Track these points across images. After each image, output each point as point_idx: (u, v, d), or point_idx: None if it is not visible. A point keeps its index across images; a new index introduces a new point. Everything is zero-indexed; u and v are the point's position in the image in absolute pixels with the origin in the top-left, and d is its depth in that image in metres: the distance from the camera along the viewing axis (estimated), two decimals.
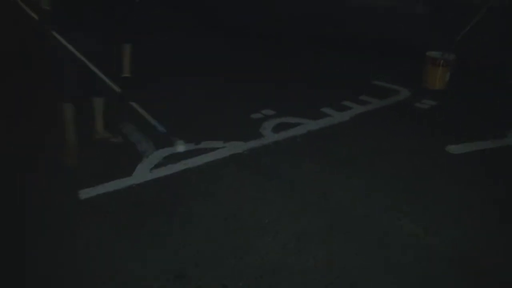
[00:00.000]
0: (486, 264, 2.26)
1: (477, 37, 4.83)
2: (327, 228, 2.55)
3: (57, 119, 3.23)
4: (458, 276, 2.18)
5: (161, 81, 4.87)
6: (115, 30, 3.31)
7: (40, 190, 2.90)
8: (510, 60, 4.88)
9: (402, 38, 6.47)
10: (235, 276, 2.17)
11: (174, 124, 3.36)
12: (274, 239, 2.44)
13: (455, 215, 2.66)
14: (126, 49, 3.65)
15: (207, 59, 5.85)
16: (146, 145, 3.49)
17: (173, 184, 3.03)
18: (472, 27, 4.68)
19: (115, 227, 2.55)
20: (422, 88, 4.85)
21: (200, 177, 3.10)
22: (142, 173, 3.13)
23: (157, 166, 3.22)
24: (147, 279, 2.14)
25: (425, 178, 3.08)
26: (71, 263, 2.27)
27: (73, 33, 2.92)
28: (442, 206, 2.75)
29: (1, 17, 6.64)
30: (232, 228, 2.55)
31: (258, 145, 3.56)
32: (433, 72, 4.83)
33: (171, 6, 8.88)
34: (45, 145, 3.46)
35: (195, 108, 4.27)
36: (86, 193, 2.87)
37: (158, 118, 3.16)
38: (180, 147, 3.16)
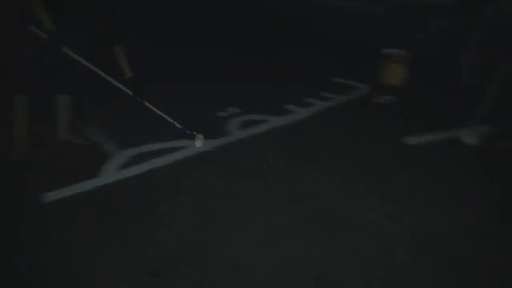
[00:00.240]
0: (449, 248, 2.40)
1: (432, 36, 5.12)
2: (295, 221, 2.61)
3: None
4: (422, 261, 2.31)
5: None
6: (106, 33, 3.24)
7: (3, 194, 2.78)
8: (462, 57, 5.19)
9: (361, 37, 6.72)
10: (209, 271, 2.18)
11: (141, 125, 3.32)
12: (246, 234, 2.47)
13: (417, 202, 2.82)
14: (118, 51, 3.54)
15: (169, 63, 5.80)
16: (110, 145, 3.42)
17: (141, 183, 2.99)
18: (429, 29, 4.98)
19: (83, 229, 2.48)
20: (380, 84, 5.06)
21: (168, 176, 3.09)
22: (109, 174, 3.06)
23: (123, 166, 3.17)
24: (121, 279, 2.11)
25: (386, 168, 3.24)
26: (39, 268, 2.19)
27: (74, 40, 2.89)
28: (404, 194, 2.90)
29: None
30: (203, 225, 2.56)
31: (225, 142, 3.59)
32: (390, 69, 5.05)
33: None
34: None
35: (161, 109, 4.21)
36: (50, 196, 2.77)
37: (123, 119, 3.11)
38: (200, 142, 3.17)
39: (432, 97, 4.74)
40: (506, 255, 2.34)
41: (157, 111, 3.13)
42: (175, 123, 3.14)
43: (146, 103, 3.11)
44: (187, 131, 3.16)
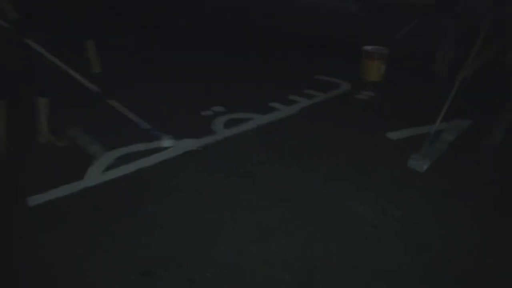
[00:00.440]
0: (430, 239, 2.49)
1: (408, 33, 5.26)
2: (285, 217, 2.66)
3: None
4: (406, 250, 2.40)
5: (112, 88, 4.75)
6: (77, 27, 3.20)
7: None
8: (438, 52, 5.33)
9: (340, 36, 6.83)
10: (201, 269, 2.21)
11: (126, 126, 3.31)
12: (235, 231, 2.51)
13: (400, 195, 2.90)
14: (90, 45, 3.50)
15: (157, 63, 5.79)
16: (95, 147, 3.40)
17: (127, 184, 2.99)
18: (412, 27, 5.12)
19: (72, 231, 2.48)
20: (360, 80, 5.17)
21: (155, 176, 3.09)
22: (94, 176, 3.05)
23: (109, 167, 3.16)
24: (113, 279, 2.13)
25: (370, 163, 3.32)
26: (29, 271, 2.18)
27: (40, 33, 2.86)
28: (388, 188, 2.98)
29: None
30: (192, 224, 2.58)
31: (210, 141, 3.61)
32: (370, 66, 5.17)
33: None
34: None
35: (144, 110, 4.20)
36: (35, 200, 2.74)
37: (109, 120, 3.10)
38: (168, 142, 3.22)
39: (411, 93, 4.87)
40: (493, 245, 2.45)
41: (123, 109, 3.12)
42: (142, 123, 3.15)
43: (113, 101, 3.09)
44: (156, 132, 3.16)
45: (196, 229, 2.53)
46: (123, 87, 4.73)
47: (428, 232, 2.54)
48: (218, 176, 3.09)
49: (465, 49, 3.54)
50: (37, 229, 2.50)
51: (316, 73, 5.44)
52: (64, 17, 3.07)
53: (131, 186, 2.96)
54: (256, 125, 3.94)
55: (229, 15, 8.41)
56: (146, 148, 3.42)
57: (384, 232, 2.52)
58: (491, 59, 3.15)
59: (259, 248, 2.38)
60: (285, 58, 6.19)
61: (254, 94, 4.68)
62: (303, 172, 3.17)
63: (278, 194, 2.90)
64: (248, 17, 8.27)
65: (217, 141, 3.63)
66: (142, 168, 3.18)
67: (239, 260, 2.29)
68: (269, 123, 4.02)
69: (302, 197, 2.85)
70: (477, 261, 2.31)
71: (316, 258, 2.30)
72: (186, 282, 2.13)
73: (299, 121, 4.11)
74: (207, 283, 2.13)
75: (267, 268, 2.24)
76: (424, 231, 2.55)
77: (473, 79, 3.35)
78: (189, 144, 3.54)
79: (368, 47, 5.21)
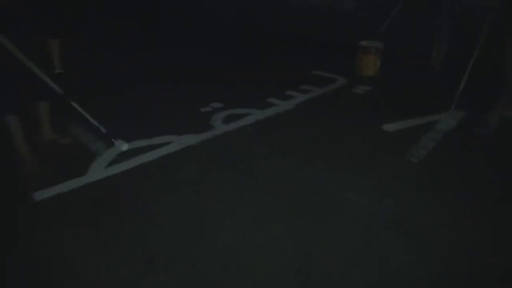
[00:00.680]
0: (423, 226, 2.56)
1: (401, 26, 5.33)
2: (282, 207, 2.73)
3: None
4: (398, 237, 2.47)
5: (113, 88, 4.84)
6: (39, 25, 3.11)
7: None
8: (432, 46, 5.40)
9: (337, 33, 6.89)
10: (201, 256, 2.29)
11: (126, 124, 3.38)
12: (233, 221, 2.58)
13: (397, 186, 2.97)
14: (53, 44, 3.45)
15: (149, 65, 5.87)
16: (97, 144, 3.47)
17: (129, 179, 3.06)
18: (394, 17, 5.19)
19: (75, 225, 2.55)
20: (356, 75, 5.24)
21: (156, 171, 3.16)
22: (97, 171, 3.12)
23: (111, 163, 3.24)
24: (119, 267, 2.20)
25: (367, 154, 3.39)
26: (33, 263, 2.26)
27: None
28: (383, 178, 3.05)
29: None
30: (192, 216, 2.65)
31: (210, 137, 3.69)
32: (365, 60, 5.24)
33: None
34: None
35: (145, 108, 4.29)
36: (40, 195, 2.83)
37: (109, 119, 3.17)
38: (123, 146, 3.24)
39: (407, 86, 4.94)
40: (490, 237, 2.51)
41: (82, 112, 3.15)
42: (100, 126, 3.21)
43: (73, 103, 3.12)
44: (111, 137, 3.22)
45: (193, 221, 2.59)
46: (123, 87, 4.85)
47: (423, 221, 2.61)
48: (217, 170, 3.16)
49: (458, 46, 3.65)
50: (43, 222, 2.58)
51: (313, 69, 5.52)
52: (23, 16, 2.96)
53: (132, 181, 3.03)
54: (255, 120, 4.02)
55: (228, 15, 8.48)
56: (147, 144, 3.50)
57: (379, 220, 2.59)
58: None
59: (257, 235, 2.46)
60: (282, 56, 6.28)
61: (252, 91, 4.76)
62: (301, 165, 3.23)
63: (276, 185, 2.97)
64: (247, 17, 8.34)
65: (216, 136, 3.70)
66: (143, 163, 3.26)
67: (237, 245, 2.36)
68: (267, 118, 4.09)
69: (299, 189, 2.92)
70: (475, 256, 2.38)
71: (313, 247, 2.37)
72: (189, 267, 2.21)
73: (296, 115, 4.18)
74: (209, 268, 2.20)
75: (264, 251, 2.32)
76: (417, 221, 2.60)
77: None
78: (189, 139, 3.61)
79: (364, 42, 5.28)
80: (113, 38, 6.58)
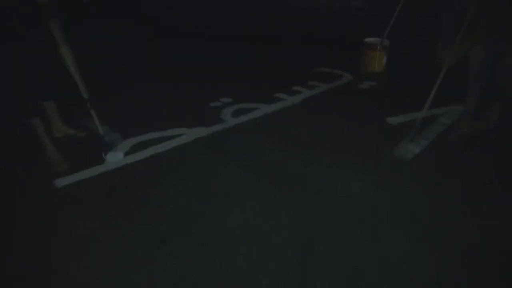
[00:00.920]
0: (422, 215, 2.69)
1: (406, 23, 5.42)
2: (288, 192, 2.89)
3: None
4: (401, 225, 2.60)
5: (120, 86, 5.02)
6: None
7: (18, 182, 3.03)
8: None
9: (341, 30, 7.03)
10: (212, 237, 2.45)
11: (139, 118, 3.53)
12: (244, 206, 2.74)
13: (400, 176, 3.09)
14: (65, 51, 3.53)
15: (151, 65, 6.07)
16: (114, 135, 3.65)
17: (144, 168, 3.24)
18: (398, 15, 5.28)
19: (94, 208, 2.73)
20: (362, 71, 5.36)
21: (169, 161, 3.33)
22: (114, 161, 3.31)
23: (127, 153, 3.42)
24: (141, 248, 2.37)
25: (372, 146, 3.51)
26: (55, 244, 2.44)
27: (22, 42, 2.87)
28: (387, 168, 3.18)
29: None
30: (204, 202, 2.80)
31: (220, 129, 3.86)
32: (371, 57, 5.36)
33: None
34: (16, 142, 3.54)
35: (156, 104, 4.48)
36: (61, 182, 3.02)
37: (122, 113, 3.34)
38: (115, 156, 3.38)
39: (412, 82, 5.04)
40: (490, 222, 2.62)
41: (96, 119, 3.37)
42: (104, 136, 3.40)
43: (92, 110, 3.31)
44: (110, 149, 3.41)
45: (205, 207, 2.74)
46: (128, 87, 5.00)
47: (424, 210, 2.73)
48: (226, 161, 3.32)
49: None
50: (65, 207, 2.77)
51: (319, 66, 5.66)
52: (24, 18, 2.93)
53: (146, 170, 3.20)
54: (263, 114, 4.18)
55: (228, 15, 8.64)
56: (160, 136, 3.68)
57: (381, 208, 2.71)
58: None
59: (267, 219, 2.61)
60: (287, 54, 6.43)
61: (259, 86, 4.91)
62: (307, 156, 3.37)
63: (282, 175, 3.11)
64: (248, 17, 8.50)
65: (226, 129, 3.87)
66: (157, 153, 3.43)
67: (250, 229, 2.52)
68: (275, 112, 4.25)
69: (305, 179, 3.05)
70: (477, 247, 2.50)
71: (316, 231, 2.51)
72: (200, 246, 2.37)
73: (303, 110, 4.33)
74: (219, 248, 2.37)
75: (270, 234, 2.47)
76: (417, 207, 2.73)
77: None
78: (201, 132, 3.78)
79: (370, 39, 5.40)
80: (113, 38, 6.79)
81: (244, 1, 8.96)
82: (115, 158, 3.36)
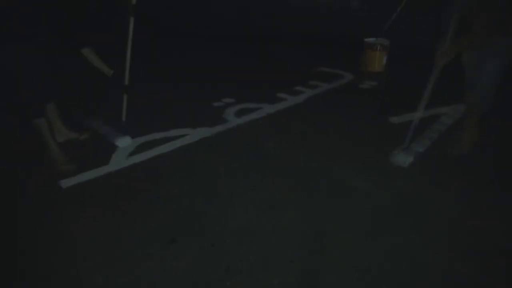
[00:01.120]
0: (423, 214, 2.71)
1: (406, 23, 5.46)
2: (292, 191, 2.90)
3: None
4: (405, 213, 2.63)
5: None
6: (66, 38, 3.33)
7: (23, 183, 3.03)
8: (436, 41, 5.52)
9: (341, 30, 7.06)
10: (220, 238, 2.46)
11: (142, 118, 3.54)
12: (250, 204, 2.76)
13: (401, 174, 3.12)
14: (87, 53, 3.60)
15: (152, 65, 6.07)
16: (117, 136, 3.67)
17: (149, 168, 3.25)
18: (398, 15, 5.31)
19: (101, 208, 2.74)
20: (363, 71, 5.39)
21: (174, 161, 3.35)
22: (119, 161, 3.32)
23: (131, 154, 3.43)
24: (143, 247, 2.38)
25: (373, 145, 3.54)
26: (62, 244, 2.44)
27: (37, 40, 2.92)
28: (389, 168, 3.20)
29: None
30: (211, 201, 2.82)
31: (223, 129, 3.87)
32: (372, 57, 5.40)
33: None
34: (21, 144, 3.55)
35: (158, 105, 4.48)
36: (67, 182, 3.03)
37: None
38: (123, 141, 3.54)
39: (413, 81, 5.06)
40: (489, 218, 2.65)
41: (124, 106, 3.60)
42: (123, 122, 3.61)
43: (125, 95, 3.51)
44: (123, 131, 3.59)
45: (211, 206, 2.76)
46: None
47: (427, 206, 2.76)
48: (230, 160, 3.34)
49: None
50: (70, 207, 2.78)
51: (320, 65, 5.68)
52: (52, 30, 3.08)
53: (151, 170, 3.22)
54: (266, 113, 4.20)
55: (229, 15, 8.65)
56: (164, 136, 3.70)
57: (383, 208, 2.74)
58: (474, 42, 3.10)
59: (270, 218, 2.63)
60: (288, 54, 6.46)
61: (262, 86, 4.94)
62: (309, 156, 3.39)
63: (286, 173, 3.13)
64: (248, 17, 8.51)
65: (229, 129, 3.88)
66: (161, 153, 3.45)
67: (253, 227, 2.54)
68: (277, 111, 4.27)
69: (308, 179, 3.08)
70: (479, 237, 2.53)
71: (324, 225, 2.54)
72: (209, 246, 2.39)
73: (305, 109, 4.35)
74: (228, 247, 2.38)
75: (280, 231, 2.49)
76: (418, 206, 2.76)
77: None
78: (204, 132, 3.80)
79: (371, 39, 5.43)
80: (114, 38, 6.75)
81: (244, 1, 8.96)
82: (125, 143, 3.58)
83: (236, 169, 3.20)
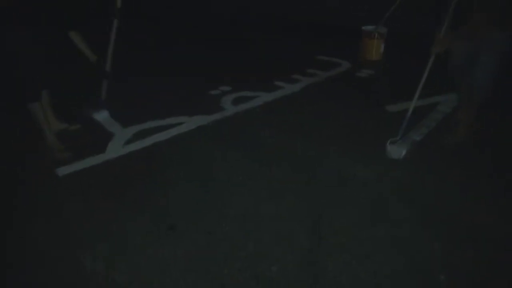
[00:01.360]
0: (422, 196, 2.73)
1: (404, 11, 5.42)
2: (291, 179, 2.91)
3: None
4: (403, 201, 2.64)
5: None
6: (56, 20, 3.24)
7: (19, 171, 3.01)
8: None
9: (338, 18, 7.00)
10: (219, 224, 2.46)
11: (138, 107, 3.52)
12: (247, 192, 2.76)
13: (398, 162, 3.12)
14: (75, 36, 3.58)
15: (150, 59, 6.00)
16: (112, 124, 3.64)
17: (146, 156, 3.23)
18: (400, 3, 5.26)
19: (98, 196, 2.73)
20: (360, 59, 5.37)
21: (171, 148, 3.33)
22: (115, 150, 3.30)
23: (128, 142, 3.41)
24: (142, 234, 2.38)
25: (371, 132, 3.54)
26: (62, 232, 2.43)
27: (28, 27, 2.91)
28: (386, 156, 3.20)
29: None
30: (208, 189, 2.82)
31: (220, 117, 3.85)
32: (369, 45, 5.37)
33: None
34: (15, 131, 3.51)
35: (154, 93, 4.43)
36: (63, 171, 3.01)
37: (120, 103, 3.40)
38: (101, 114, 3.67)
39: (410, 70, 5.05)
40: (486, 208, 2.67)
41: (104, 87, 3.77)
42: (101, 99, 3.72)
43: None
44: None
45: (210, 193, 2.77)
46: (125, 79, 4.92)
47: (425, 192, 2.78)
48: (227, 148, 3.32)
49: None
50: (67, 195, 2.76)
51: (317, 54, 5.64)
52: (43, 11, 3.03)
53: (149, 158, 3.20)
54: (263, 102, 4.17)
55: (225, 5, 8.51)
56: (160, 124, 3.67)
57: (384, 192, 2.76)
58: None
59: (268, 206, 2.63)
60: (286, 42, 6.38)
61: (259, 75, 4.88)
62: (307, 144, 3.38)
63: (283, 162, 3.12)
64: (245, 5, 8.37)
65: (226, 117, 3.86)
66: (158, 142, 3.43)
67: (253, 214, 2.54)
68: (275, 100, 4.25)
69: (305, 164, 3.08)
70: (475, 222, 2.54)
71: (322, 213, 2.55)
72: (207, 234, 2.39)
73: (302, 97, 4.34)
74: (226, 234, 2.38)
75: (279, 219, 2.50)
76: (416, 194, 2.77)
77: None
78: (201, 120, 3.77)
79: (368, 27, 5.39)
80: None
81: None
82: (103, 116, 3.77)
83: (234, 158, 3.19)
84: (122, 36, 3.75)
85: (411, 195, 2.72)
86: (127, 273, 2.12)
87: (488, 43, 2.91)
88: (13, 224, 2.50)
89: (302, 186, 2.83)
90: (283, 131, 3.59)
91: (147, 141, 3.41)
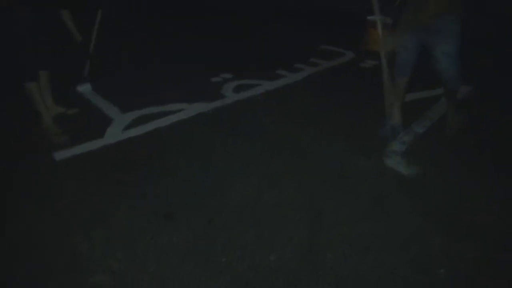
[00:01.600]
0: (423, 189, 2.69)
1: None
2: (291, 169, 2.86)
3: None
4: (404, 194, 2.61)
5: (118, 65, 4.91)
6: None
7: (15, 155, 2.97)
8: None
9: (344, 7, 6.89)
10: (218, 212, 2.43)
11: (138, 92, 3.47)
12: (248, 180, 2.72)
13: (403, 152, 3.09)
14: (65, 15, 3.54)
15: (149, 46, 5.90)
16: (112, 108, 3.59)
17: (145, 142, 3.19)
18: None
19: (96, 181, 2.70)
20: (364, 50, 5.28)
21: (171, 135, 3.29)
22: (114, 135, 3.26)
23: (127, 127, 3.36)
24: (139, 221, 2.35)
25: (374, 124, 3.49)
26: (58, 217, 2.40)
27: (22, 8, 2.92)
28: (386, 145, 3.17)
29: None
30: (207, 176, 2.79)
31: (221, 105, 3.80)
32: (374, 35, 5.27)
33: None
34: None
35: (154, 80, 4.37)
36: (61, 155, 2.97)
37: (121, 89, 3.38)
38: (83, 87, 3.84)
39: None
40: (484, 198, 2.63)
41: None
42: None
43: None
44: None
45: (209, 180, 2.73)
46: (125, 65, 4.87)
47: (427, 182, 2.74)
48: (227, 135, 3.28)
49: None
50: (64, 180, 2.73)
51: (321, 43, 5.56)
52: None
53: (148, 144, 3.17)
54: (264, 90, 4.12)
55: None
56: (160, 110, 3.62)
57: (384, 183, 2.73)
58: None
59: (268, 195, 2.60)
60: (290, 31, 6.29)
61: (261, 64, 4.82)
62: (308, 132, 3.34)
63: (284, 150, 3.08)
64: None
65: (227, 105, 3.81)
66: (158, 127, 3.38)
67: (252, 202, 2.51)
68: (277, 88, 4.19)
69: (307, 153, 3.05)
70: (476, 215, 2.51)
71: (323, 203, 2.52)
72: (205, 222, 2.36)
73: (305, 86, 4.28)
74: (225, 223, 2.35)
75: (279, 208, 2.47)
76: (417, 186, 2.73)
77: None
78: (202, 107, 3.72)
79: (372, 17, 5.29)
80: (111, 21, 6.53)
81: None
82: (85, 88, 3.98)
83: (235, 145, 3.15)
84: (121, 25, 3.74)
85: (413, 187, 2.69)
86: (124, 260, 2.10)
87: (440, 32, 2.87)
88: (8, 209, 2.47)
89: (303, 175, 2.80)
90: (284, 120, 3.54)
91: (147, 127, 3.37)
